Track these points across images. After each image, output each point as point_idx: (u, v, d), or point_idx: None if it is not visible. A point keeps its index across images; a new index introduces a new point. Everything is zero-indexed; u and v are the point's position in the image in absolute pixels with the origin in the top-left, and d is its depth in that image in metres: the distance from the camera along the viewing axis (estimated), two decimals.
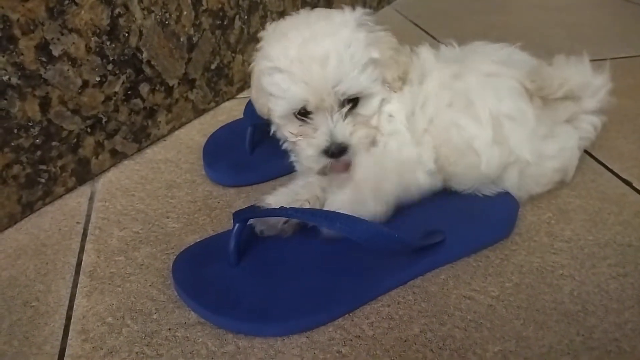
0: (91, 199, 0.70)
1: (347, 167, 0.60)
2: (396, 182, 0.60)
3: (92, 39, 0.66)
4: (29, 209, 0.66)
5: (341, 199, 0.57)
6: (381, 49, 0.59)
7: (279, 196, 0.61)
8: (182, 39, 0.80)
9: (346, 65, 0.56)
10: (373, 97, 0.60)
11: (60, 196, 0.70)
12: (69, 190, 0.70)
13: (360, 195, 0.58)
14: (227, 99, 0.94)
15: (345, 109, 0.58)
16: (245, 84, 0.96)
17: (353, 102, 0.59)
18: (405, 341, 0.50)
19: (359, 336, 0.50)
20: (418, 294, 0.55)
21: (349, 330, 0.51)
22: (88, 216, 0.67)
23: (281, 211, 0.53)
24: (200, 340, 0.50)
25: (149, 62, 0.75)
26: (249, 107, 0.78)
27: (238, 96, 0.96)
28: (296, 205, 0.61)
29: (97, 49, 0.67)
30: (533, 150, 0.60)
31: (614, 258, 0.58)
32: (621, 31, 1.25)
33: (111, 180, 0.74)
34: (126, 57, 0.72)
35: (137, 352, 0.49)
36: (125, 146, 0.76)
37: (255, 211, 0.55)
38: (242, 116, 0.82)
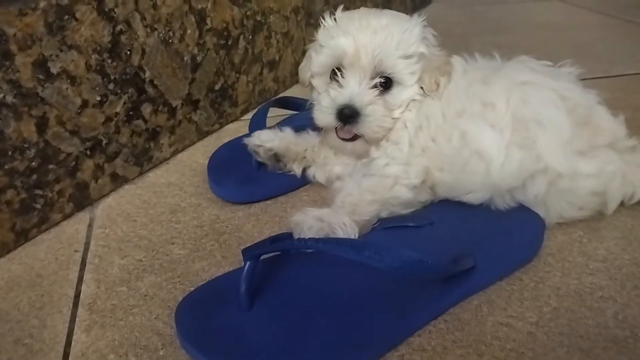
0: (90, 226, 0.65)
1: (350, 135, 0.62)
2: (371, 201, 0.59)
3: (93, 56, 0.63)
4: (23, 237, 0.61)
5: (314, 214, 0.58)
6: (431, 50, 0.63)
7: (281, 135, 0.69)
8: (185, 59, 0.77)
9: (392, 43, 0.60)
10: (405, 89, 0.62)
11: (57, 223, 0.65)
12: (66, 216, 0.66)
13: (334, 216, 0.58)
14: (231, 121, 0.90)
15: (375, 81, 0.61)
16: (249, 105, 0.93)
17: (386, 84, 0.62)
18: None
19: None
20: (450, 322, 0.50)
21: None
22: (87, 244, 0.62)
23: (300, 242, 0.49)
24: None
25: (151, 81, 0.72)
26: (253, 123, 0.75)
27: (242, 118, 0.92)
28: (297, 148, 0.69)
29: (98, 67, 0.64)
30: (565, 161, 0.56)
31: None
32: (629, 50, 1.24)
33: (111, 206, 0.69)
34: (128, 76, 0.68)
35: None
36: (126, 170, 0.72)
37: (267, 246, 0.50)
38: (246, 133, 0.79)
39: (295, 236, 0.56)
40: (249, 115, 0.93)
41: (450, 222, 0.60)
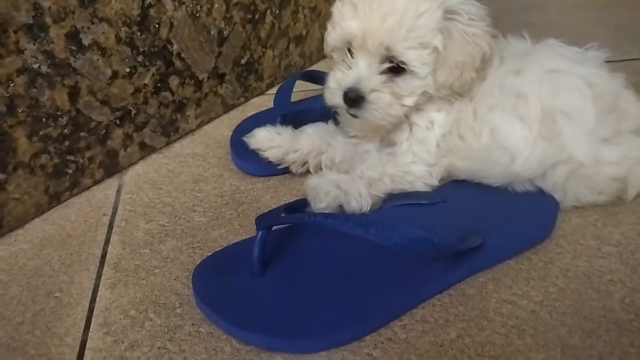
0: (118, 192, 0.69)
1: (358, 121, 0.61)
2: (390, 187, 0.61)
3: (123, 29, 0.65)
4: (56, 199, 0.65)
5: (332, 178, 0.59)
6: (451, 45, 0.56)
7: (278, 142, 0.66)
8: (212, 32, 0.78)
9: (401, 31, 0.55)
10: (417, 78, 0.58)
11: (88, 188, 0.69)
12: (96, 182, 0.70)
13: (352, 184, 0.59)
14: (257, 95, 0.92)
15: (385, 66, 0.57)
16: (275, 79, 0.95)
17: (398, 70, 0.58)
18: (441, 346, 0.46)
19: (391, 339, 0.47)
20: (455, 297, 0.51)
21: (380, 332, 0.48)
22: (115, 208, 0.66)
23: (310, 217, 0.51)
24: (224, 336, 0.48)
25: (179, 54, 0.74)
26: (279, 97, 0.76)
27: (267, 92, 0.94)
28: (294, 156, 0.67)
29: (127, 40, 0.66)
30: (589, 150, 0.56)
31: None
32: None
33: (139, 173, 0.73)
34: (156, 49, 0.71)
35: (159, 347, 0.47)
36: (153, 139, 0.75)
37: (279, 217, 0.52)
38: (272, 108, 0.81)
39: (311, 201, 0.58)
40: (274, 90, 0.95)
41: (463, 200, 0.60)
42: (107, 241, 0.61)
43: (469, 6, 0.57)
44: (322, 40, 1.02)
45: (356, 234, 0.47)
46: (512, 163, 0.58)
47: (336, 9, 0.61)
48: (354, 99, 0.58)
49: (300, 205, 0.56)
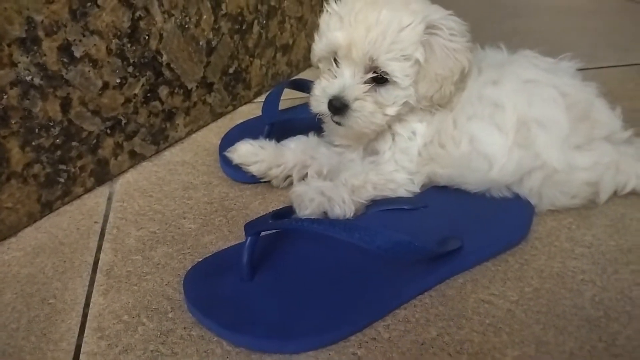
0: (109, 200, 0.71)
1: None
2: (373, 194, 0.64)
3: (113, 41, 0.67)
4: (48, 208, 0.67)
5: (316, 186, 0.62)
6: (432, 59, 0.59)
7: (261, 156, 0.68)
8: (201, 43, 0.80)
9: (385, 43, 0.58)
10: (399, 89, 0.60)
11: (79, 196, 0.71)
12: (87, 190, 0.71)
13: (336, 191, 0.61)
14: (244, 103, 0.94)
15: (369, 76, 0.60)
16: (262, 88, 0.97)
17: (381, 80, 0.60)
18: (422, 344, 0.49)
19: (375, 338, 0.50)
20: (435, 297, 0.54)
21: (365, 332, 0.50)
22: (106, 216, 0.68)
23: (296, 223, 0.53)
24: (215, 339, 0.50)
25: (168, 65, 0.76)
26: (267, 106, 0.78)
27: (255, 100, 0.96)
28: (277, 171, 0.68)
29: (118, 51, 0.68)
30: (562, 157, 0.59)
31: (637, 264, 0.57)
32: None
33: (129, 181, 0.74)
34: (146, 60, 0.72)
35: (152, 350, 0.49)
36: (143, 148, 0.77)
37: (267, 223, 0.55)
38: (260, 116, 0.83)
39: (296, 208, 0.60)
40: (261, 98, 0.97)
41: (443, 205, 0.63)
42: (99, 248, 0.62)
43: (449, 21, 0.60)
44: (308, 49, 1.05)
45: (341, 239, 0.49)
46: (490, 170, 0.60)
47: (323, 20, 0.63)
48: (339, 106, 0.60)
49: (286, 212, 0.59)
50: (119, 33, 0.68)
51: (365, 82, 0.60)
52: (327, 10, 0.63)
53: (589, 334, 0.49)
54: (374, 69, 0.60)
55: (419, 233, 0.56)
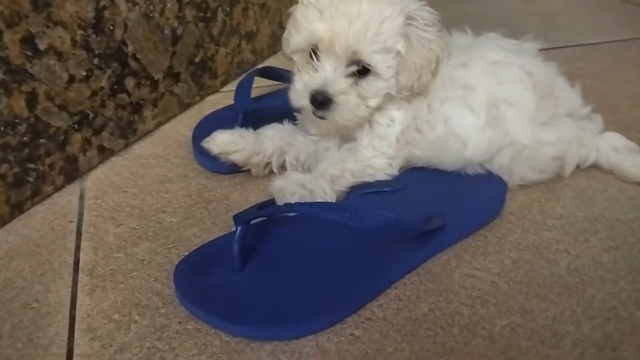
0: (82, 197, 0.68)
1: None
2: (352, 181, 0.65)
3: (78, 32, 0.64)
4: (17, 209, 0.64)
5: (296, 179, 0.62)
6: (410, 50, 0.60)
7: (242, 144, 0.66)
8: (166, 32, 0.78)
9: (368, 36, 0.58)
10: (382, 80, 0.61)
11: (49, 195, 0.68)
12: (57, 189, 0.68)
13: (316, 183, 0.62)
14: (212, 93, 0.92)
15: (351, 69, 0.59)
16: (228, 77, 0.96)
17: (363, 72, 0.60)
18: (416, 320, 0.51)
19: (370, 318, 0.51)
20: (423, 275, 0.56)
21: (360, 313, 0.51)
22: (80, 214, 0.65)
23: (287, 207, 0.53)
24: (212, 331, 0.50)
25: (134, 55, 0.74)
26: (239, 94, 0.77)
27: (222, 89, 0.95)
28: (257, 158, 0.67)
29: (83, 43, 0.65)
30: (530, 133, 0.62)
31: (605, 232, 0.61)
32: (591, 19, 1.30)
33: (100, 178, 0.72)
34: (112, 51, 0.70)
35: (148, 347, 0.48)
36: (112, 142, 0.74)
37: (255, 212, 0.54)
38: (231, 104, 0.82)
39: (278, 201, 0.60)
40: (228, 87, 0.96)
41: (422, 186, 0.65)
42: (77, 248, 0.60)
43: (423, 12, 0.61)
44: (272, 36, 1.05)
45: (332, 219, 0.50)
46: (464, 149, 0.63)
47: (299, 13, 0.61)
48: (322, 101, 0.59)
49: (271, 204, 0.59)
50: (83, 24, 0.65)
51: (347, 75, 0.60)
52: (302, 2, 0.62)
53: (568, 299, 0.53)
54: (356, 61, 0.59)
55: (402, 213, 0.57)
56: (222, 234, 0.60)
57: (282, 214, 0.58)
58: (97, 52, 0.68)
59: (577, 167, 0.69)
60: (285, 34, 0.67)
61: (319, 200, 0.61)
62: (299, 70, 0.64)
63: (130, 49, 0.73)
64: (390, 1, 0.59)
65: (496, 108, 0.62)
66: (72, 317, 0.52)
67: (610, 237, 0.60)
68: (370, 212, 0.50)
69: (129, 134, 0.77)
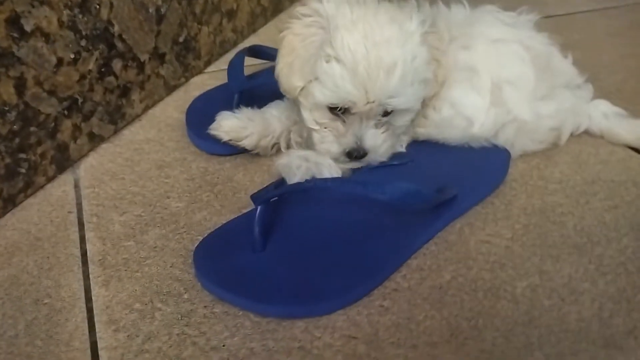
0: (77, 187, 0.65)
1: None
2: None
3: (64, 12, 0.60)
4: (11, 203, 0.60)
5: (300, 154, 0.61)
6: (434, 66, 0.59)
7: (250, 128, 0.64)
8: (150, 10, 0.75)
9: (407, 79, 0.55)
10: (410, 112, 0.60)
11: (42, 187, 0.64)
12: (50, 179, 0.65)
13: (321, 156, 0.61)
14: (196, 74, 0.90)
15: (383, 120, 0.58)
16: (212, 57, 0.93)
17: (391, 112, 0.59)
18: (440, 288, 0.52)
19: (396, 289, 0.52)
20: (440, 244, 0.57)
21: (385, 285, 0.52)
22: (79, 204, 0.62)
23: (308, 182, 0.52)
24: (240, 313, 0.49)
25: (120, 35, 0.70)
26: (233, 74, 0.75)
27: (206, 70, 0.92)
28: (267, 140, 0.65)
29: (70, 23, 0.62)
30: (531, 110, 0.64)
31: (603, 193, 0.64)
32: None
33: (93, 165, 0.69)
34: (98, 32, 0.66)
35: (177, 334, 0.47)
36: (102, 128, 0.71)
37: (273, 190, 0.53)
38: (222, 84, 0.81)
39: (285, 177, 0.59)
40: (212, 68, 0.93)
41: (429, 158, 0.65)
42: (82, 239, 0.58)
43: (425, 21, 0.59)
44: (251, 14, 1.02)
45: (355, 192, 0.50)
46: (471, 127, 0.64)
47: (325, 71, 0.55)
48: (360, 155, 0.58)
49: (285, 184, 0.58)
50: (69, 3, 0.61)
51: (378, 122, 0.58)
52: (321, 55, 0.56)
53: (579, 258, 0.55)
54: (391, 108, 0.58)
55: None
56: (232, 216, 0.59)
57: (303, 190, 0.57)
58: (84, 33, 0.64)
59: (571, 134, 0.71)
60: (284, 70, 0.60)
61: (325, 171, 0.60)
62: (318, 123, 0.60)
63: (116, 29, 0.69)
64: (408, 31, 0.56)
65: (499, 89, 0.64)
66: (90, 310, 0.50)
67: (608, 197, 0.63)
68: (391, 183, 0.50)
69: (117, 119, 0.74)
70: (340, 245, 0.53)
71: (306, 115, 0.61)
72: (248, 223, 0.54)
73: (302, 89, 0.59)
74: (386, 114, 0.58)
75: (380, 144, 0.59)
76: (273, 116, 0.66)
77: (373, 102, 0.55)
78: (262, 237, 0.53)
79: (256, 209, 0.52)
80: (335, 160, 0.60)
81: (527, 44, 0.65)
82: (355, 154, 0.58)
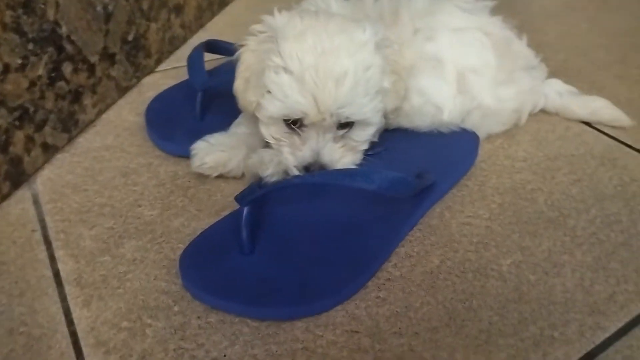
0: (36, 202, 0.60)
1: None
2: None
3: (7, 12, 0.55)
4: None
5: (266, 150, 0.59)
6: (391, 77, 0.58)
7: (234, 159, 0.61)
8: (98, 9, 0.70)
9: (359, 89, 0.54)
10: (370, 125, 0.58)
11: None
12: (5, 197, 0.60)
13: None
14: (148, 73, 0.85)
15: (340, 132, 0.57)
16: (162, 55, 0.89)
17: (349, 125, 0.57)
18: (431, 273, 0.53)
19: (389, 279, 0.52)
20: (424, 230, 0.58)
21: (378, 276, 0.52)
22: (42, 221, 0.58)
23: (297, 180, 0.51)
24: (237, 320, 0.48)
25: (68, 37, 0.65)
26: (194, 72, 0.72)
27: (157, 69, 0.88)
28: (252, 161, 0.60)
29: (14, 26, 0.56)
30: (493, 95, 0.66)
31: (566, 168, 0.67)
32: None
33: (51, 178, 0.64)
34: (45, 34, 0.61)
35: (174, 349, 0.45)
36: (55, 138, 0.66)
37: (258, 190, 0.52)
38: (179, 83, 0.79)
39: (259, 172, 0.58)
40: (163, 66, 0.89)
41: (402, 146, 0.66)
42: (52, 258, 0.54)
43: (379, 30, 0.57)
44: (198, 8, 0.99)
45: (345, 184, 0.50)
46: (440, 114, 0.66)
47: (274, 82, 0.54)
48: (317, 169, 0.56)
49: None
50: (11, 2, 0.56)
51: (337, 136, 0.57)
52: (270, 66, 0.54)
53: (555, 232, 0.57)
54: (346, 120, 0.56)
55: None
56: (211, 220, 0.57)
57: (290, 187, 0.55)
58: (30, 35, 0.59)
59: (529, 113, 0.74)
60: (240, 86, 0.58)
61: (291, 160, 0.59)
62: (275, 138, 0.58)
63: (64, 30, 0.64)
64: (360, 40, 0.55)
65: (464, 77, 0.65)
66: (74, 334, 0.47)
67: (571, 171, 0.66)
68: (377, 173, 0.50)
69: (71, 126, 0.69)
70: (329, 240, 0.53)
71: (263, 130, 0.59)
72: (231, 226, 0.53)
73: (257, 104, 0.57)
74: (343, 126, 0.56)
75: (338, 158, 0.57)
76: (247, 134, 0.63)
77: (324, 112, 0.53)
78: (251, 240, 0.51)
79: (242, 210, 0.51)
80: (292, 171, 0.58)
81: (487, 30, 0.67)
82: (312, 168, 0.56)
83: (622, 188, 0.63)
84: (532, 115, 0.75)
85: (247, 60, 0.58)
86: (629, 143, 0.71)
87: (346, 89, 0.53)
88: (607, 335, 0.46)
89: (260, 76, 0.55)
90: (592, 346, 0.45)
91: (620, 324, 0.47)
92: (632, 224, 0.58)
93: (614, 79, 0.88)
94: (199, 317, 0.48)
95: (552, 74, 0.79)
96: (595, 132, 0.74)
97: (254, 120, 0.63)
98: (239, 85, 0.59)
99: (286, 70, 0.53)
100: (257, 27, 0.58)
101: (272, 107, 0.55)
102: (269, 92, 0.55)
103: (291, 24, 0.55)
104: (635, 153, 0.70)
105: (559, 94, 0.75)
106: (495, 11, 0.72)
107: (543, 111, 0.76)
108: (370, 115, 0.57)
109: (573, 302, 0.49)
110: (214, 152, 0.61)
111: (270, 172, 0.58)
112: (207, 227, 0.55)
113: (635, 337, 0.46)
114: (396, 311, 0.49)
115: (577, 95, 0.75)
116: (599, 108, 0.74)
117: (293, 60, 0.52)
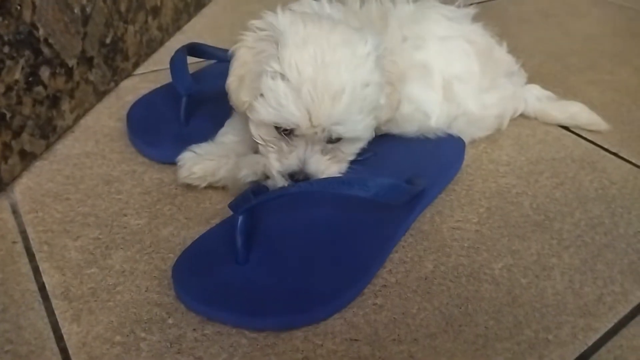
0: (15, 212, 0.58)
1: None
2: None
3: None
4: None
5: (254, 155, 0.59)
6: (386, 88, 0.57)
7: (223, 168, 0.60)
8: (76, 11, 0.68)
9: (355, 107, 0.53)
10: (361, 140, 0.58)
11: None
12: None
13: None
14: (126, 77, 0.83)
15: (329, 146, 0.56)
16: (139, 58, 0.86)
17: (339, 139, 0.56)
18: (426, 279, 0.53)
19: (385, 285, 0.52)
20: (416, 235, 0.58)
21: (374, 282, 0.52)
22: (23, 232, 0.55)
23: (293, 188, 0.51)
24: (234, 331, 0.47)
25: (46, 40, 0.63)
26: (178, 76, 0.70)
27: (135, 72, 0.85)
28: (244, 171, 0.58)
29: None
30: (477, 102, 0.68)
31: (548, 172, 0.69)
32: None
33: (30, 187, 0.61)
34: (22, 36, 0.59)
35: None
36: (33, 145, 0.64)
37: (253, 198, 0.51)
38: (160, 87, 0.77)
39: (237, 175, 0.58)
40: (141, 69, 0.87)
41: (389, 151, 0.66)
42: (36, 271, 0.51)
43: (380, 42, 0.56)
44: (175, 10, 0.97)
45: (342, 192, 0.49)
46: (428, 120, 0.66)
47: (269, 88, 0.52)
48: (300, 179, 0.55)
49: (260, 188, 0.55)
50: None
51: (325, 148, 0.56)
52: (267, 70, 0.52)
53: (542, 235, 0.59)
54: (336, 136, 0.54)
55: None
56: (202, 228, 0.56)
57: (287, 195, 0.55)
58: (6, 38, 0.56)
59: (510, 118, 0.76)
60: (234, 84, 0.56)
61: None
62: (263, 140, 0.57)
63: (41, 32, 0.62)
64: (361, 54, 0.53)
65: (450, 85, 0.66)
66: (64, 350, 0.45)
67: (554, 175, 0.68)
68: (372, 180, 0.51)
69: (48, 132, 0.66)
70: (323, 248, 0.53)
71: (253, 130, 0.57)
72: (224, 234, 0.52)
73: (250, 105, 0.56)
74: (333, 140, 0.55)
75: (323, 170, 0.56)
76: (235, 142, 0.62)
77: (317, 127, 0.52)
78: (246, 249, 0.50)
79: (237, 219, 0.50)
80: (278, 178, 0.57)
81: (471, 38, 0.68)
82: (297, 177, 0.55)
83: (602, 191, 0.65)
84: (512, 119, 0.77)
85: (242, 57, 0.56)
86: (606, 147, 0.74)
87: (342, 106, 0.52)
88: (598, 336, 0.48)
89: (256, 78, 0.54)
90: (585, 347, 0.47)
91: (610, 325, 0.49)
92: (614, 226, 0.60)
93: (587, 84, 0.90)
94: (194, 329, 0.47)
95: (529, 79, 0.81)
96: (574, 135, 0.76)
97: (242, 126, 0.62)
98: (232, 82, 0.56)
99: (283, 77, 0.51)
100: (256, 23, 0.56)
101: (265, 113, 0.54)
102: (262, 95, 0.54)
103: (293, 28, 0.53)
104: (612, 156, 0.72)
105: (538, 99, 0.77)
106: (475, 18, 0.73)
107: (523, 116, 0.78)
108: (361, 132, 0.56)
109: (564, 305, 0.51)
110: (202, 161, 0.60)
111: (245, 173, 0.57)
112: (197, 236, 0.54)
113: (625, 337, 0.48)
114: (394, 318, 0.49)
115: (555, 100, 0.78)
116: (577, 112, 0.76)
117: (292, 70, 0.51)
